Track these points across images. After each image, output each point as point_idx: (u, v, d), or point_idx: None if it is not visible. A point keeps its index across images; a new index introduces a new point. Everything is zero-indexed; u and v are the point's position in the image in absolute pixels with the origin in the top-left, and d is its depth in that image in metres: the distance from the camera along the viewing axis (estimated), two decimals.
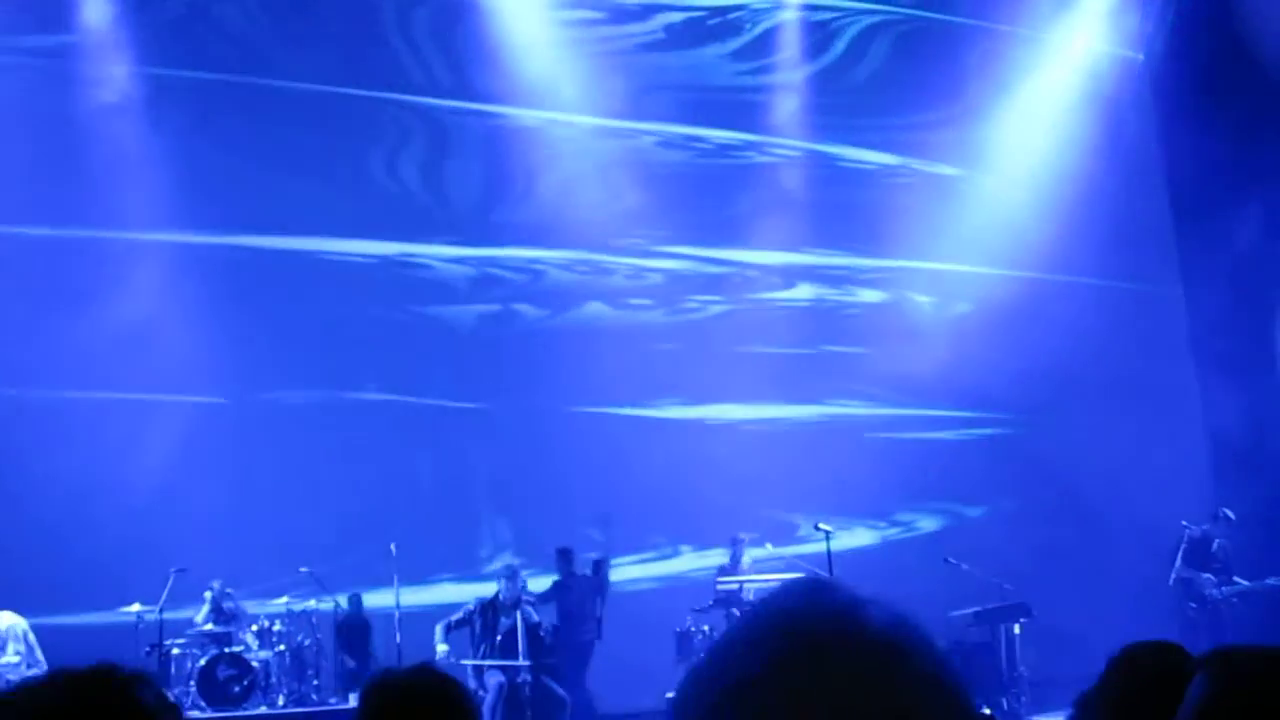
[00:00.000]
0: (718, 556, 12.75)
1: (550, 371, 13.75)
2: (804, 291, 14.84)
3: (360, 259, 13.82)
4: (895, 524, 14.53)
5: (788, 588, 0.95)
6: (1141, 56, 15.25)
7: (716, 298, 14.54)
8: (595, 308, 14.25)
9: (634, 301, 14.36)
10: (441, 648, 10.62)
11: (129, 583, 11.36)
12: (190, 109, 13.12)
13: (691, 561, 13.89)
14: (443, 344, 13.83)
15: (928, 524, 14.62)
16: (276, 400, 13.10)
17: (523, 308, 14.17)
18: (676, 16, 14.75)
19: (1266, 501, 12.90)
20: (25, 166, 12.31)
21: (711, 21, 14.92)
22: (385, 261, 13.90)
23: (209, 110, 13.18)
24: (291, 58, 13.62)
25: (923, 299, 14.85)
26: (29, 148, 12.32)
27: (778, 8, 14.92)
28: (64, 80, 12.85)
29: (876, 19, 15.25)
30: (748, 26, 14.96)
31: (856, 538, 13.79)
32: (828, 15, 15.15)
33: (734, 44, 14.97)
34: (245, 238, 13.40)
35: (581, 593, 11.78)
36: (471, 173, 14.17)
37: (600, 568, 11.96)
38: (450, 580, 13.11)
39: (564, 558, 11.88)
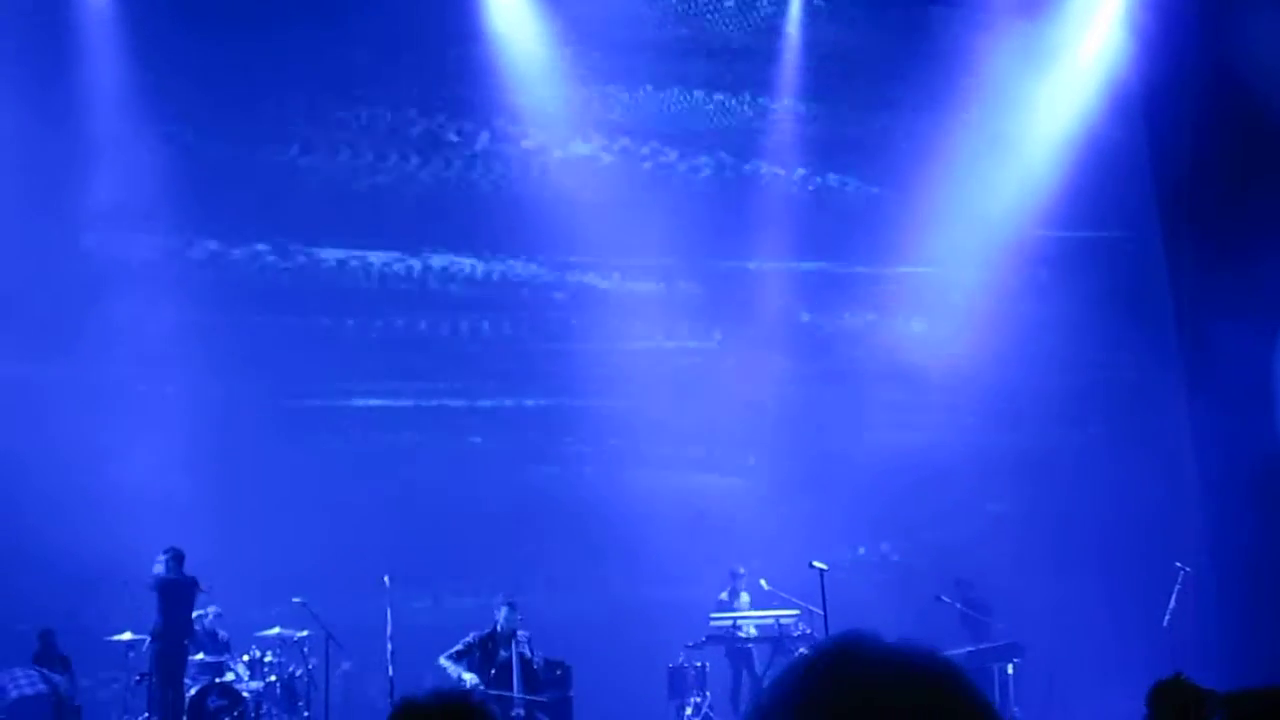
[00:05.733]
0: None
1: (544, 380, 13.89)
2: (792, 313, 14.90)
3: (361, 266, 13.97)
4: (875, 547, 14.51)
5: (832, 636, 1.17)
6: (1137, 97, 15.35)
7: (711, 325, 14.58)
8: (591, 326, 14.26)
9: (626, 323, 14.34)
10: (469, 676, 10.49)
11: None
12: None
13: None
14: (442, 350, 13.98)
15: (902, 546, 14.61)
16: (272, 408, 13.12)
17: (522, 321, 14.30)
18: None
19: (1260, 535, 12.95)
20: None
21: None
22: (383, 273, 14.04)
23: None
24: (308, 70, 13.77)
25: (913, 328, 14.89)
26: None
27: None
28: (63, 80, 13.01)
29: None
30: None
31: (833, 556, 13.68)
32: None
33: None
34: (250, 245, 13.57)
35: (180, 596, 11.00)
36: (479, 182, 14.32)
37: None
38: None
39: (173, 558, 10.97)
